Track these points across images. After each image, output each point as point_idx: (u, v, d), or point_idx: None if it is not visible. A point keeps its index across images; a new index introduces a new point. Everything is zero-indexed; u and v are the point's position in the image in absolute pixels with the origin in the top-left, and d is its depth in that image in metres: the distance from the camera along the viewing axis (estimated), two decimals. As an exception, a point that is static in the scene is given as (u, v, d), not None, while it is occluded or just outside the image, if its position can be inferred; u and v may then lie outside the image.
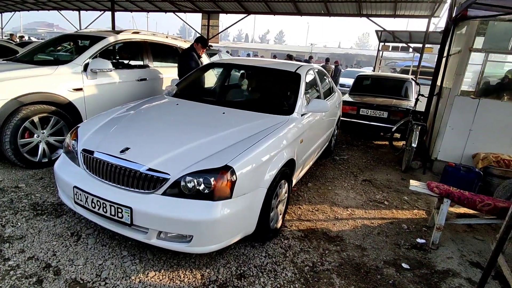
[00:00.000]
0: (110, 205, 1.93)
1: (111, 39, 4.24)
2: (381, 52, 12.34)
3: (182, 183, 1.90)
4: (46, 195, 2.93)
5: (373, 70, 12.54)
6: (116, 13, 13.22)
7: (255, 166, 2.09)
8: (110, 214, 1.95)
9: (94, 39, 4.21)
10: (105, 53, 4.32)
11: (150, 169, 1.94)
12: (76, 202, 2.12)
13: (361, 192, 3.73)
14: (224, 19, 28.71)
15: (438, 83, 4.90)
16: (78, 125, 2.53)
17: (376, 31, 11.28)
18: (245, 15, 12.14)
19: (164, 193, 1.91)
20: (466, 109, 4.20)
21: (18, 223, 2.46)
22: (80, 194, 2.05)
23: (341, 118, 6.03)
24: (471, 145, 4.26)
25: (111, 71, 3.99)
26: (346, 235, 2.77)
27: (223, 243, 1.97)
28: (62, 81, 3.61)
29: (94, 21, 15.87)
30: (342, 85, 11.70)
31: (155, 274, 2.05)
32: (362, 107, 6.06)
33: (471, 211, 3.10)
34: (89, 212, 2.07)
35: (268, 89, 3.62)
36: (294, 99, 3.04)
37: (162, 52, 5.19)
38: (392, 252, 2.57)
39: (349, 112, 6.11)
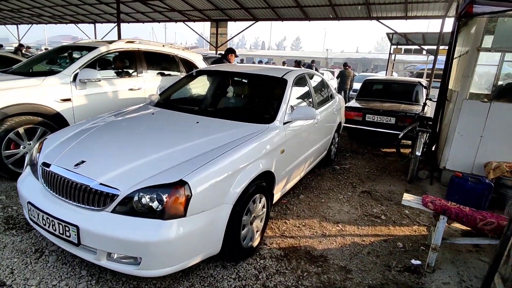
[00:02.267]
0: (58, 223, 1.81)
1: (103, 49, 4.22)
2: (393, 56, 11.89)
3: (134, 200, 1.75)
4: (22, 209, 2.87)
5: (386, 74, 12.10)
6: (136, 25, 13.58)
7: (217, 181, 1.92)
8: (59, 232, 1.83)
9: (87, 49, 4.21)
10: (99, 63, 4.32)
11: (101, 184, 1.81)
12: (30, 219, 2.02)
13: (357, 205, 3.46)
14: (239, 26, 29.10)
15: (451, 86, 4.55)
16: (46, 137, 2.45)
17: (388, 34, 10.91)
18: (253, 22, 12.09)
19: (113, 211, 1.76)
20: (476, 114, 3.85)
21: (-15, 238, 2.40)
22: (33, 211, 1.95)
23: (346, 125, 5.79)
24: (483, 153, 3.88)
25: (99, 81, 3.96)
26: (332, 254, 2.52)
27: (177, 266, 1.80)
28: (49, 92, 3.60)
29: (108, 33, 16.37)
30: (355, 91, 11.36)
31: (110, 298, 1.90)
32: (368, 113, 5.76)
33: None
34: (42, 229, 1.95)
35: (252, 97, 3.45)
36: (277, 107, 2.85)
37: (158, 60, 5.14)
38: (380, 275, 2.30)
39: (354, 118, 5.82)
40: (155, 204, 1.74)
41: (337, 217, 3.16)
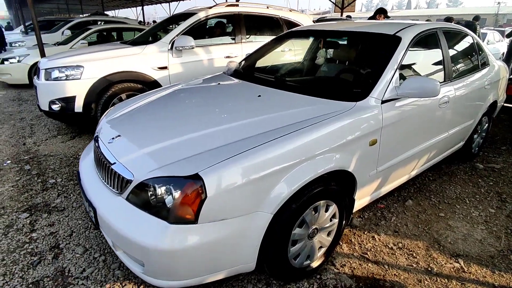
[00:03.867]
0: (86, 200, 1.69)
1: (201, 14, 4.08)
2: None
3: (146, 189, 1.42)
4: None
5: None
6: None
7: (251, 180, 1.37)
8: (86, 209, 1.71)
9: (186, 16, 4.15)
10: (198, 30, 4.23)
11: (122, 165, 1.56)
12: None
13: (500, 233, 2.25)
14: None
15: None
16: (111, 108, 2.41)
17: None
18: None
19: (127, 198, 1.49)
20: None
21: (71, 195, 2.64)
22: (79, 183, 1.91)
23: (509, 105, 4.06)
24: None
25: (192, 48, 3.84)
26: (434, 308, 1.64)
27: (188, 281, 1.40)
28: (148, 60, 3.72)
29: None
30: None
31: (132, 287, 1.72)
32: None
33: None
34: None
35: (345, 63, 2.58)
36: (374, 77, 1.97)
37: (259, 24, 4.70)
38: None
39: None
40: (168, 200, 1.36)
41: (460, 245, 2.12)
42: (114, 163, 1.58)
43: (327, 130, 1.62)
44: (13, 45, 9.34)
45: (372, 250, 2.06)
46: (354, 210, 2.02)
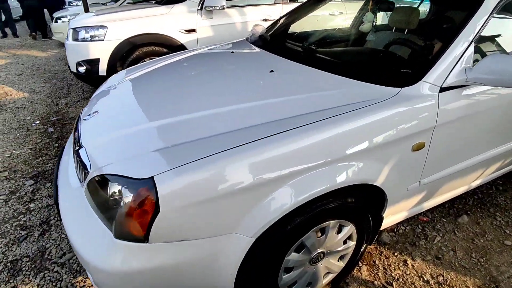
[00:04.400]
0: (54, 183, 1.48)
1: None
2: None
3: (102, 186, 1.14)
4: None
5: None
6: None
7: (227, 191, 1.01)
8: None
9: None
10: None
11: (85, 151, 1.29)
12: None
13: None
14: None
15: None
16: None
17: None
18: None
19: (86, 190, 1.23)
20: None
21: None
22: (58, 160, 1.71)
23: None
24: None
25: (223, 8, 3.39)
26: None
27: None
28: (175, 21, 3.38)
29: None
30: None
31: None
32: None
33: None
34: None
35: (398, 31, 1.94)
36: (434, 53, 1.40)
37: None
38: None
39: None
40: (122, 204, 1.06)
41: (529, 293, 1.56)
42: (80, 147, 1.32)
43: (346, 127, 1.15)
44: (70, 4, 9.66)
45: (401, 280, 1.61)
46: (383, 228, 1.56)
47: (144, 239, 1.00)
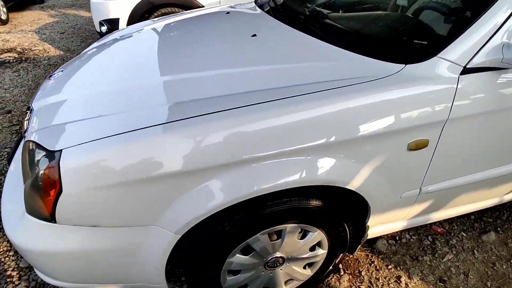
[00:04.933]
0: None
1: None
2: None
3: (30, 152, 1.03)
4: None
5: None
6: None
7: (149, 176, 0.83)
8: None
9: None
10: None
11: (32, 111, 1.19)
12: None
13: None
14: None
15: None
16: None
17: None
18: None
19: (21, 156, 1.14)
20: None
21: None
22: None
23: None
24: None
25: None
26: None
27: (72, 285, 1.03)
28: (197, -19, 3.14)
29: None
30: None
31: None
32: None
33: None
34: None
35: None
36: (461, 22, 1.02)
37: None
38: None
39: None
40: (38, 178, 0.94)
41: None
42: (31, 108, 1.22)
43: (311, 112, 0.89)
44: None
45: (386, 299, 1.35)
46: (373, 236, 1.30)
47: (51, 218, 0.88)
